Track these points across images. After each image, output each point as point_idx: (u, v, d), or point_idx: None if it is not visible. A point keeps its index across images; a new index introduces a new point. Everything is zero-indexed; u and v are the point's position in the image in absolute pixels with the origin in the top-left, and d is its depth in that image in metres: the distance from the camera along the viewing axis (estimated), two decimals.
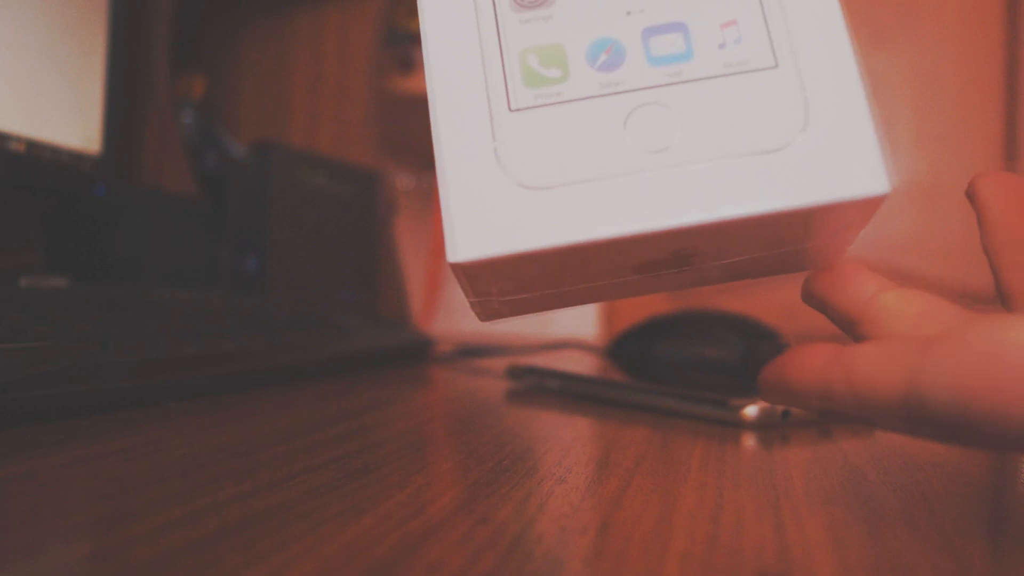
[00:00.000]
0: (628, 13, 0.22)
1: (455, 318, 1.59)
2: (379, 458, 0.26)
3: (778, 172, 0.20)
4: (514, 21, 0.22)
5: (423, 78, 0.22)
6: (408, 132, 1.05)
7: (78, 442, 0.27)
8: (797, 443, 0.32)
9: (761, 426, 0.35)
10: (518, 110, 0.21)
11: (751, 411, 0.35)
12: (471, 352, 0.65)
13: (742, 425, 0.35)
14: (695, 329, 0.56)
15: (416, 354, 0.62)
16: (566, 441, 0.30)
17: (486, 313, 0.24)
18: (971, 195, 0.23)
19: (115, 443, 0.27)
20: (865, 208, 0.20)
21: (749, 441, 0.32)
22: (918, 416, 0.17)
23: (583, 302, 0.25)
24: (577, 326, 1.55)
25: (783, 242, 0.22)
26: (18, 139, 0.52)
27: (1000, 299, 0.22)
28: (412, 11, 0.95)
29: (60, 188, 0.58)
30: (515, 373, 0.47)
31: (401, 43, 1.07)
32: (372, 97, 0.89)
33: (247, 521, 0.19)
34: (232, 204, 0.72)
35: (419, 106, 0.40)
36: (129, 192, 0.68)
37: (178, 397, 0.36)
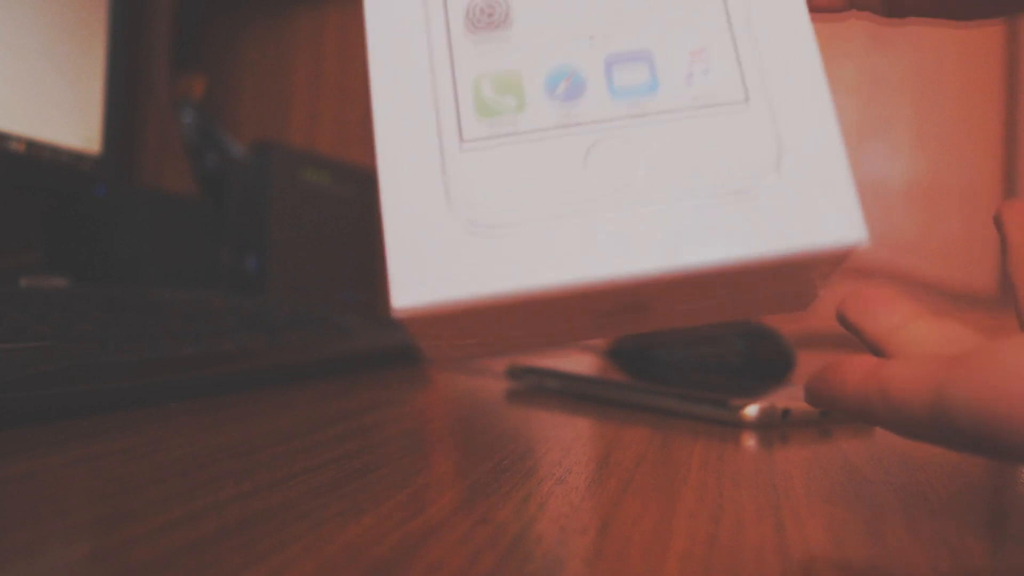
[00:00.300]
0: (591, 38, 0.20)
1: None
2: (379, 458, 0.26)
3: (747, 217, 0.19)
4: (468, 45, 0.21)
5: None
6: None
7: (78, 442, 0.27)
8: (797, 443, 0.32)
9: (761, 426, 0.35)
10: (470, 142, 0.20)
11: (751, 411, 0.35)
12: None
13: (742, 425, 0.35)
14: (695, 329, 0.56)
15: (416, 354, 0.62)
16: (566, 441, 0.30)
17: (437, 356, 0.23)
18: (998, 223, 0.23)
19: (115, 443, 0.27)
20: (838, 255, 0.19)
21: (749, 441, 0.32)
22: (945, 427, 0.18)
23: (541, 347, 0.23)
24: None
25: (751, 288, 0.21)
26: (18, 139, 0.52)
27: (1020, 322, 0.22)
28: None
29: (60, 188, 0.58)
30: (515, 373, 0.47)
31: None
32: None
33: (247, 521, 0.19)
34: (232, 204, 0.72)
35: None
36: (129, 192, 0.68)
37: (178, 397, 0.36)
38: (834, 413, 0.37)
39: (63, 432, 0.28)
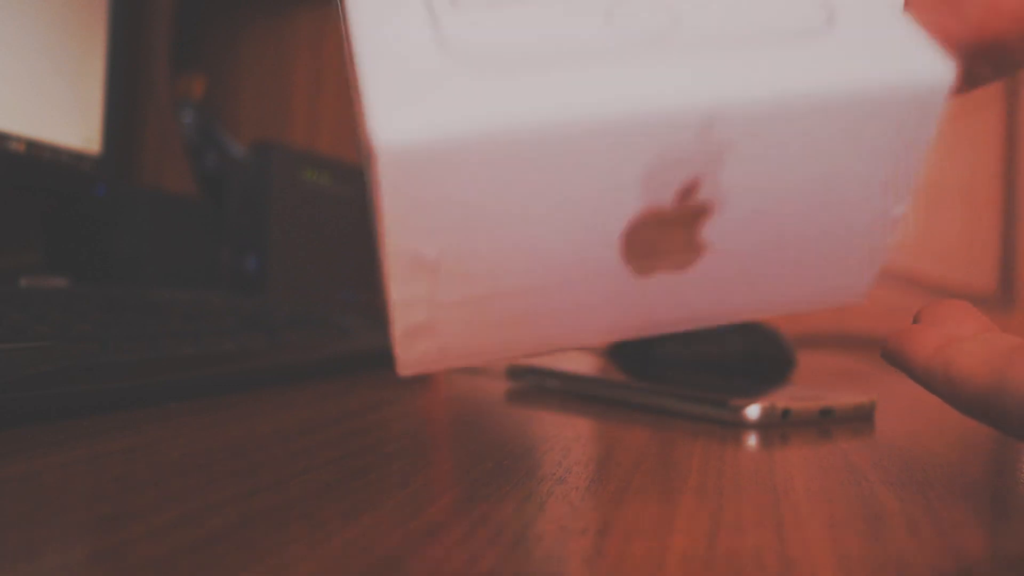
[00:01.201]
0: None
1: None
2: (379, 458, 0.26)
3: (817, 55, 0.17)
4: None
5: None
6: None
7: (78, 442, 0.26)
8: (797, 443, 0.32)
9: (761, 426, 0.35)
10: (464, 6, 0.18)
11: (751, 411, 0.35)
12: None
13: (742, 425, 0.35)
14: (695, 329, 0.56)
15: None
16: (566, 441, 0.30)
17: (408, 354, 0.20)
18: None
19: (115, 443, 0.27)
20: (923, 111, 0.18)
21: (749, 441, 0.32)
22: (999, 407, 0.19)
23: (553, 330, 0.21)
24: None
25: (825, 176, 0.19)
26: (18, 139, 0.52)
27: None
28: None
29: (60, 188, 0.58)
30: (515, 373, 0.47)
31: None
32: None
33: (247, 521, 0.19)
34: (232, 204, 0.72)
35: None
36: (129, 192, 0.68)
37: (178, 397, 0.36)
38: (835, 413, 0.37)
39: (63, 432, 0.28)
